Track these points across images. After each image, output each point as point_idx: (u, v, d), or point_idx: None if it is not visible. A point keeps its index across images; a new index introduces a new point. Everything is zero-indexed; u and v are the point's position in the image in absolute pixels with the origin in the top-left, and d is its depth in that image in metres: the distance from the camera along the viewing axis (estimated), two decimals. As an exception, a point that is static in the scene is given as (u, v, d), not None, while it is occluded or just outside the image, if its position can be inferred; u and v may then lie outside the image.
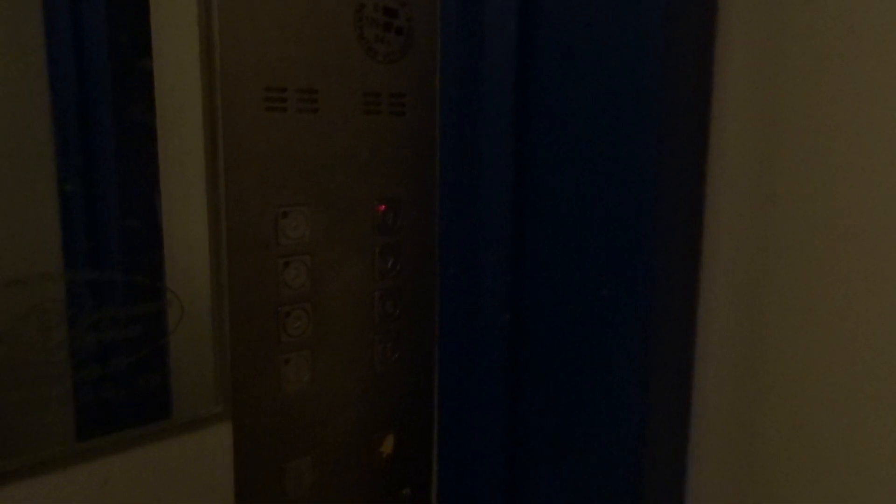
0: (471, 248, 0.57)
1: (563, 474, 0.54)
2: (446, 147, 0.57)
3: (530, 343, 0.55)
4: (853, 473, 0.44)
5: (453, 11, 0.54)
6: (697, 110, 0.48)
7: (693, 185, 0.49)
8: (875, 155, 0.41)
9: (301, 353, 0.51)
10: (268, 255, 0.48)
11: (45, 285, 0.41)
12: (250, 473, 0.50)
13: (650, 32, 0.44)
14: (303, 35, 0.47)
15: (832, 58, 0.42)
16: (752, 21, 0.46)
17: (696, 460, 0.52)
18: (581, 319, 0.51)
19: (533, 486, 0.56)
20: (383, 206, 0.54)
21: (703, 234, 0.50)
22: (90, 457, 0.43)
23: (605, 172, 0.48)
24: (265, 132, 0.47)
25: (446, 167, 0.57)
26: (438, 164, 0.57)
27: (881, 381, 0.42)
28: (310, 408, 0.52)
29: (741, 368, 0.49)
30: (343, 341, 0.54)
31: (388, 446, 0.58)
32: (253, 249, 0.48)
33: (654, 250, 0.46)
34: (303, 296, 0.51)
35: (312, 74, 0.48)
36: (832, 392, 0.44)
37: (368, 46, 0.51)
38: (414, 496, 0.61)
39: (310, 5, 0.47)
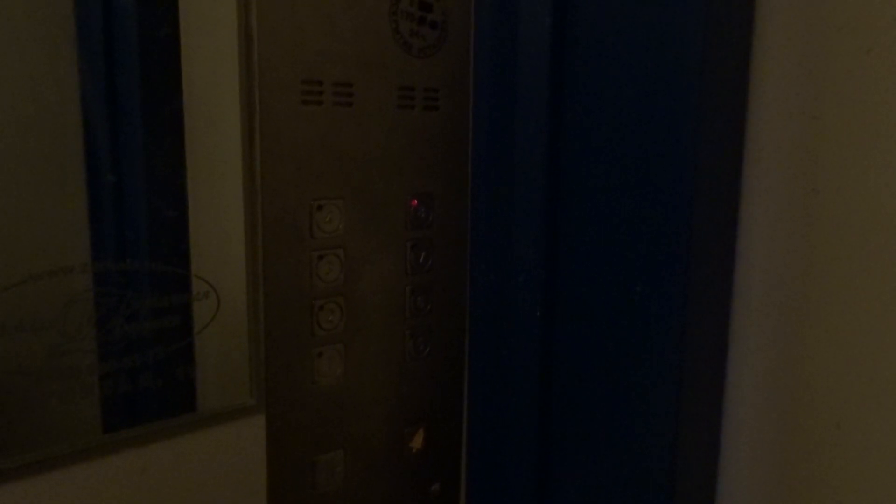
0: (502, 244, 0.57)
1: (593, 471, 0.54)
2: (479, 142, 0.56)
3: (561, 339, 0.55)
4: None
5: (488, 6, 0.54)
6: (735, 105, 0.47)
7: (729, 181, 0.48)
8: (921, 149, 0.40)
9: (334, 346, 0.51)
10: (303, 248, 0.49)
11: (87, 275, 0.41)
12: (282, 465, 0.50)
13: (689, 26, 0.44)
14: (340, 28, 0.48)
15: (875, 50, 0.42)
16: (791, 14, 0.45)
17: (729, 460, 0.51)
18: (613, 316, 0.51)
19: (562, 483, 0.56)
20: (416, 201, 0.54)
21: (738, 230, 0.49)
22: (128, 445, 0.44)
23: (640, 168, 0.48)
24: (301, 125, 0.47)
25: (479, 162, 0.57)
26: (471, 160, 0.57)
27: (926, 379, 0.41)
28: (342, 401, 0.53)
29: (778, 366, 0.48)
30: (375, 335, 0.54)
31: (418, 441, 0.58)
32: (288, 242, 0.48)
33: (688, 247, 0.46)
34: (336, 289, 0.51)
35: (348, 68, 0.48)
36: (874, 391, 0.44)
37: (403, 41, 0.51)
38: (443, 492, 0.61)
39: None
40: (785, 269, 0.47)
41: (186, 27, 0.43)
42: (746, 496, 0.50)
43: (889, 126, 0.42)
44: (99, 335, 0.42)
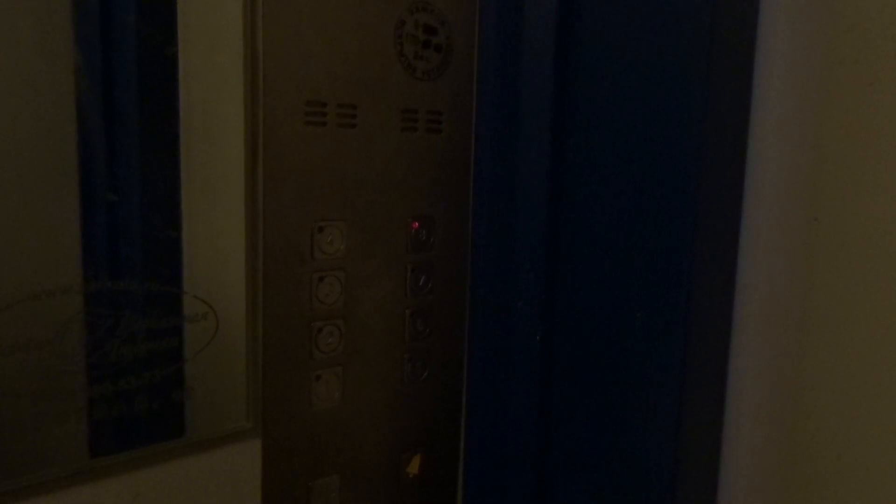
0: (503, 268, 0.56)
1: (593, 499, 0.53)
2: (481, 166, 0.56)
3: (561, 364, 0.55)
4: (898, 506, 0.43)
5: (492, 30, 0.54)
6: (736, 135, 0.48)
7: (730, 209, 0.48)
8: (924, 181, 0.41)
9: (333, 369, 0.51)
10: (303, 269, 0.48)
11: (82, 295, 0.40)
12: (278, 490, 0.49)
13: (693, 57, 0.44)
14: (344, 50, 0.47)
15: (877, 84, 0.42)
16: (794, 46, 0.46)
17: (729, 492, 0.51)
18: (614, 341, 0.51)
19: (560, 511, 0.56)
20: (416, 223, 0.54)
21: (739, 258, 0.49)
22: (120, 470, 0.42)
23: (643, 195, 0.48)
24: (304, 146, 0.47)
25: (481, 186, 0.57)
26: (473, 183, 0.57)
27: (929, 411, 0.41)
28: (339, 425, 0.52)
29: (778, 396, 0.48)
30: (374, 359, 0.53)
31: (414, 467, 0.57)
32: (289, 263, 0.47)
33: (690, 274, 0.46)
34: (335, 312, 0.50)
35: (352, 90, 0.48)
36: (876, 420, 0.43)
37: (407, 63, 0.51)
38: (439, 519, 0.60)
39: (353, 20, 0.47)
40: (785, 298, 0.47)
41: (188, 46, 0.43)
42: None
43: (889, 158, 0.42)
44: (94, 357, 0.41)
